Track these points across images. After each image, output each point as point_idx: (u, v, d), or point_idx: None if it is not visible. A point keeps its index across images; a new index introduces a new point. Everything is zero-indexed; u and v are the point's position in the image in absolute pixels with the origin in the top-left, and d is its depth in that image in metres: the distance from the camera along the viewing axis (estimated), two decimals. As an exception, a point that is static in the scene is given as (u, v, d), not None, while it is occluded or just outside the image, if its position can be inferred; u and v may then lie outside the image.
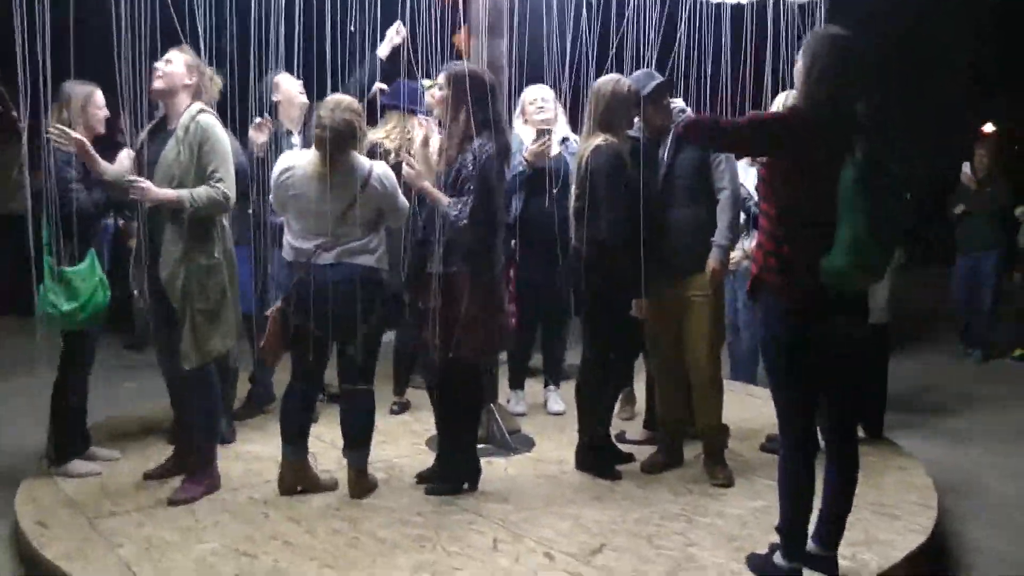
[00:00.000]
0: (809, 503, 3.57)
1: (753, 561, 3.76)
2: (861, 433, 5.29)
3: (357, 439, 4.51)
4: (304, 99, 5.70)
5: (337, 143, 4.27)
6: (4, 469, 5.18)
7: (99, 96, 4.85)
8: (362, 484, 4.53)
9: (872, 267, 3.41)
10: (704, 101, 4.97)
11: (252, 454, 5.14)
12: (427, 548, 3.96)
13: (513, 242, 5.58)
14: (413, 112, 5.45)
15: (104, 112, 4.87)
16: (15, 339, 6.26)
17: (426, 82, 5.18)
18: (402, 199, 4.45)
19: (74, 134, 4.48)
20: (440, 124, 4.55)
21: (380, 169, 4.40)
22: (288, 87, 5.70)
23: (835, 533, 3.64)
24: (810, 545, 3.64)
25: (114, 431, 5.47)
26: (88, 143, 4.53)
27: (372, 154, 4.75)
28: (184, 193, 4.31)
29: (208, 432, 4.64)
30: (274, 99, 5.73)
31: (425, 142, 4.46)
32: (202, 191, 4.33)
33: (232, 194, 4.43)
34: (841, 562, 3.67)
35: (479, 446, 4.89)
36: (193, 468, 4.60)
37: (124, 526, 4.23)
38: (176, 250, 4.37)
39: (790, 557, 3.59)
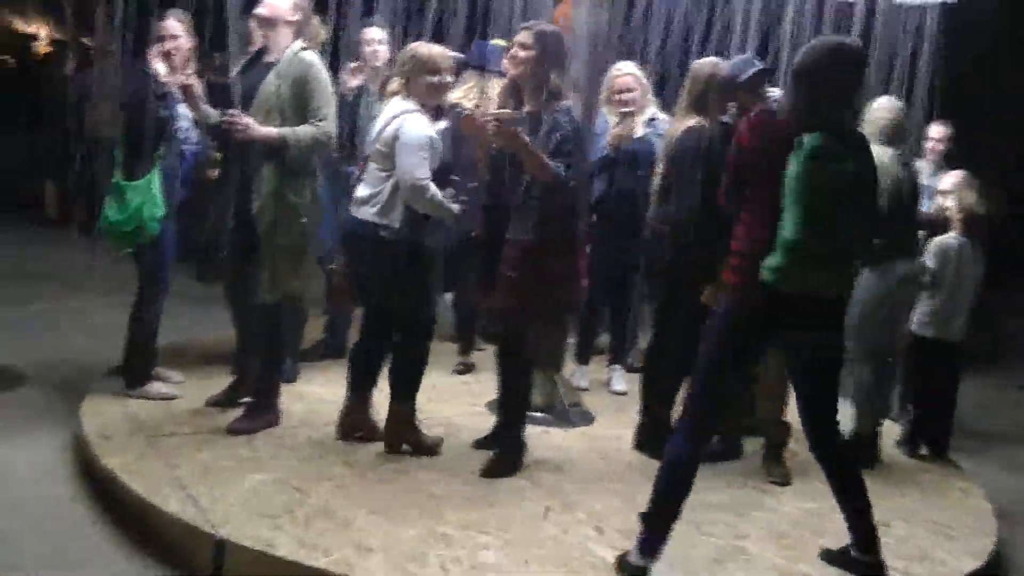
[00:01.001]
0: (682, 501, 3.48)
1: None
2: (924, 451, 5.24)
3: (396, 389, 4.49)
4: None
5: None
6: (71, 382, 5.29)
7: (179, 26, 4.83)
8: (394, 434, 4.50)
9: (806, 266, 3.33)
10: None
11: (315, 395, 5.19)
12: (476, 508, 3.97)
13: (592, 217, 5.55)
14: (492, 72, 5.41)
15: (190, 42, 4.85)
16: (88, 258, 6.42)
17: (500, 42, 5.16)
18: (408, 162, 4.23)
19: (183, 77, 4.52)
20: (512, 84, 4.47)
21: (402, 122, 4.29)
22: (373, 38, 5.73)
23: (868, 536, 3.60)
24: (853, 552, 3.61)
25: (178, 357, 5.55)
26: (195, 85, 4.55)
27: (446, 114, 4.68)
28: (287, 131, 4.32)
29: (272, 368, 4.69)
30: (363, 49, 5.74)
31: (506, 102, 4.39)
32: (305, 130, 4.34)
33: (334, 133, 4.44)
34: (893, 574, 3.62)
35: (538, 414, 4.88)
36: (255, 402, 4.65)
37: (182, 448, 4.32)
38: (270, 185, 4.38)
39: (643, 554, 3.49)
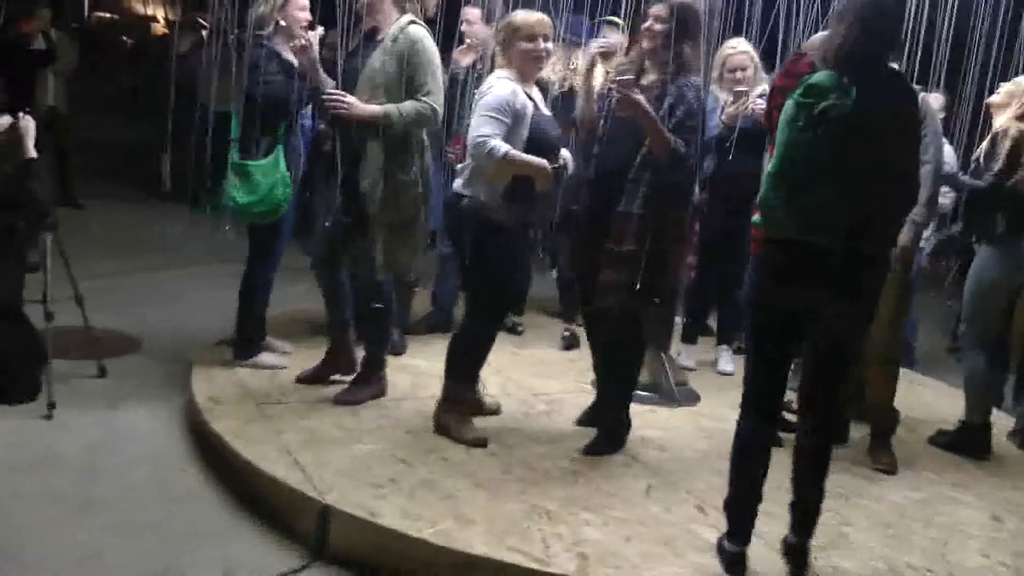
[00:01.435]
0: (757, 484, 3.36)
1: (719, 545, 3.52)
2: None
3: (448, 369, 4.42)
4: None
5: None
6: (183, 350, 5.44)
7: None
8: (439, 417, 4.40)
9: (791, 205, 3.16)
10: (930, 70, 4.74)
11: (420, 368, 5.25)
12: (580, 483, 3.98)
13: (702, 196, 5.50)
14: (577, 44, 5.37)
15: (306, 15, 4.80)
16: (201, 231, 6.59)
17: (614, 19, 5.12)
18: (475, 121, 4.15)
19: (301, 40, 4.51)
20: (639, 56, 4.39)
21: (486, 87, 4.26)
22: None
23: (806, 521, 3.40)
24: (787, 535, 3.43)
25: (287, 328, 5.64)
26: (312, 46, 4.53)
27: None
28: (391, 108, 4.32)
29: (380, 340, 4.75)
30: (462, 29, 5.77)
31: (627, 74, 4.32)
32: (409, 106, 4.33)
33: (440, 108, 4.42)
34: (1003, 570, 3.52)
35: (644, 393, 4.86)
36: (361, 373, 4.72)
37: (289, 415, 4.41)
38: (376, 161, 4.39)
39: (732, 539, 3.40)
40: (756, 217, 3.50)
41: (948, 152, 5.06)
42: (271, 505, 3.78)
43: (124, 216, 9.71)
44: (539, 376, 4.66)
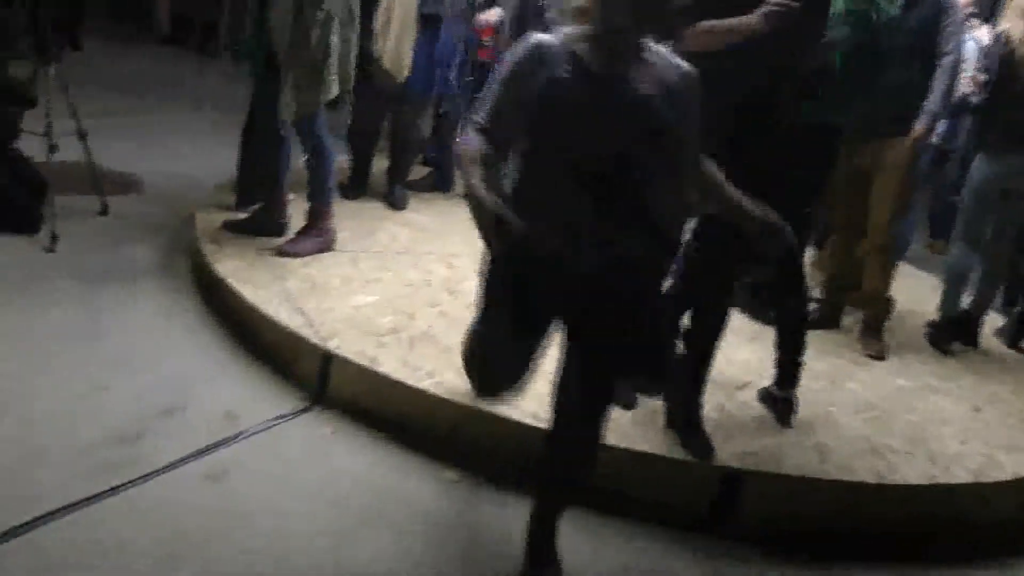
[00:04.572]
0: None
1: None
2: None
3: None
4: None
5: None
6: (184, 193, 5.45)
7: None
8: None
9: None
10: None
11: (420, 224, 5.28)
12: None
13: None
14: None
15: None
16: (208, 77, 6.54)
17: None
18: None
19: None
20: None
21: None
22: None
23: (789, 376, 3.74)
24: (771, 388, 3.77)
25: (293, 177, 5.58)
26: None
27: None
28: None
29: (319, 192, 4.65)
30: None
31: None
32: None
33: None
34: (978, 458, 3.63)
35: None
36: (307, 224, 4.67)
37: (290, 263, 4.45)
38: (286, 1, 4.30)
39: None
40: None
41: (970, 48, 5.00)
42: (272, 349, 3.84)
43: (124, 59, 9.56)
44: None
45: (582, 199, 2.49)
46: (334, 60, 4.42)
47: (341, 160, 5.17)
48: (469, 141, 2.52)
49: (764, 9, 3.04)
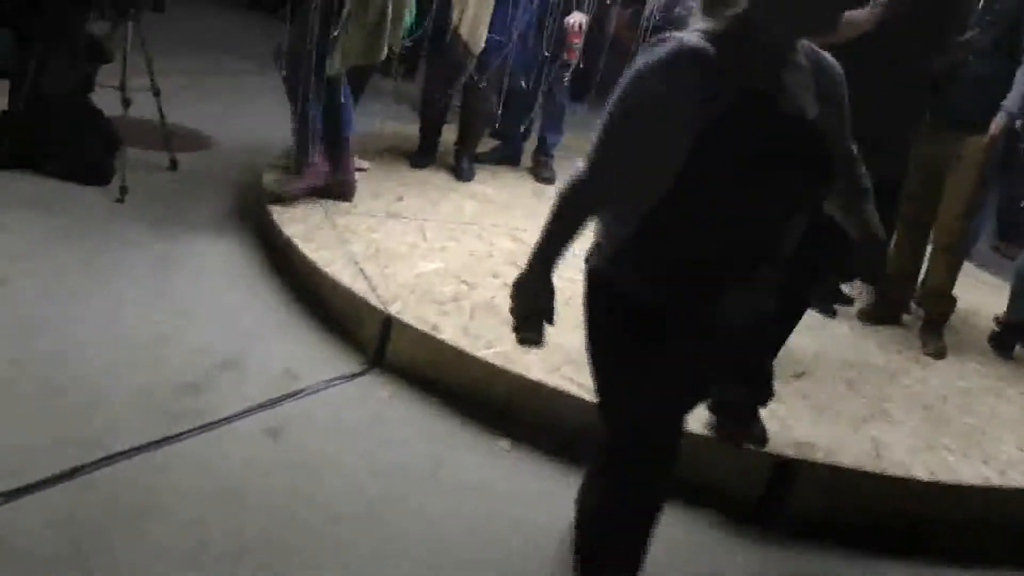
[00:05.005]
0: None
1: None
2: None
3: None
4: None
5: None
6: (255, 151, 5.51)
7: None
8: None
9: None
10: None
11: (486, 196, 5.31)
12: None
13: None
14: None
15: None
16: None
17: None
18: None
19: None
20: None
21: None
22: None
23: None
24: None
25: (364, 142, 5.60)
26: None
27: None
28: None
29: (299, 138, 4.67)
30: None
31: None
32: None
33: None
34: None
35: None
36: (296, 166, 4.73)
37: (356, 226, 4.49)
38: None
39: None
40: None
41: None
42: (334, 310, 3.89)
43: (208, 21, 9.66)
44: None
45: (739, 257, 2.00)
46: (386, 24, 4.50)
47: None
48: (572, 188, 1.98)
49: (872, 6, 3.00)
